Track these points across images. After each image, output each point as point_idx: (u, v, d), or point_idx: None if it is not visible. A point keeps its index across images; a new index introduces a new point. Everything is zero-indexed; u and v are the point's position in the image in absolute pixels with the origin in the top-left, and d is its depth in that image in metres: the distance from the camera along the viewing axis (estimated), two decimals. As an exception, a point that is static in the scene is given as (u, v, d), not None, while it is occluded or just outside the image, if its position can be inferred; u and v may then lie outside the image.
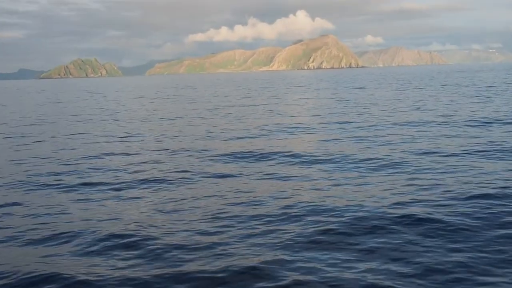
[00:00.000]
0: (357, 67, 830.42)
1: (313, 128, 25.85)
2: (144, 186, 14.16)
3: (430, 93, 52.18)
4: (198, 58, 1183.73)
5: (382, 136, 21.78)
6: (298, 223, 10.40)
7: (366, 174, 14.54)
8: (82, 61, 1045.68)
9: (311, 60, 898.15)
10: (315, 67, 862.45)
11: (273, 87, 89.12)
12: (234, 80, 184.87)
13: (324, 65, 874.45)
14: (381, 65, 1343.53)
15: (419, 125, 24.99)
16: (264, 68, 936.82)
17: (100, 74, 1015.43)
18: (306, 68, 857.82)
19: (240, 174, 15.30)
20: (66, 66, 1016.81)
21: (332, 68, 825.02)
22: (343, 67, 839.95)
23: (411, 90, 59.45)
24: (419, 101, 41.25)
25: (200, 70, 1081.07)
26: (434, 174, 14.06)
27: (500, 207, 10.92)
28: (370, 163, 15.97)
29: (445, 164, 15.32)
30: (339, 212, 10.96)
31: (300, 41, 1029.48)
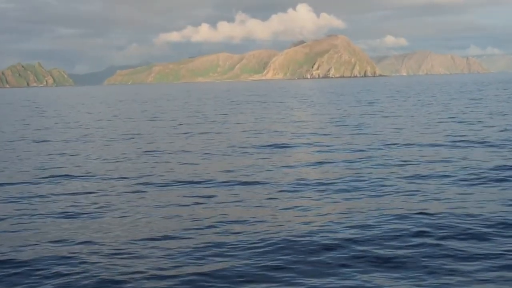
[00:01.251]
0: (374, 76, 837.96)
1: (281, 150, 27.03)
2: (49, 218, 14.87)
3: (457, 109, 53.34)
4: (171, 63, 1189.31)
5: (362, 160, 22.78)
6: (220, 261, 11.13)
7: (319, 202, 15.60)
8: (23, 66, 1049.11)
9: (315, 66, 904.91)
10: (321, 76, 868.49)
11: (261, 101, 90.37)
12: (215, 91, 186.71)
13: (332, 73, 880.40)
14: (404, 74, 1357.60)
15: (418, 148, 26.05)
16: (256, 77, 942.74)
17: (45, 83, 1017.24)
18: (309, 76, 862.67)
19: (169, 203, 16.18)
20: (2, 72, 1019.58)
21: (342, 77, 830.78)
22: (356, 76, 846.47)
23: (432, 105, 60.70)
24: (437, 119, 42.42)
25: (174, 78, 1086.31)
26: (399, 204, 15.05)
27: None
28: (329, 190, 17.14)
29: (411, 193, 16.29)
30: (275, 247, 11.83)
31: (302, 42, 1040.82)
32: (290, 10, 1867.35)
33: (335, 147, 27.53)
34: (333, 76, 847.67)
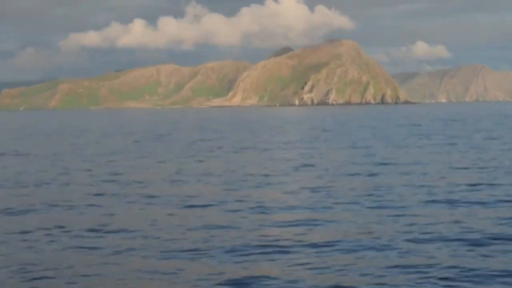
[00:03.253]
0: (397, 103, 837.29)
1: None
2: None
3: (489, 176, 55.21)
4: (87, 79, 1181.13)
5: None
6: None
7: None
8: None
9: (307, 87, 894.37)
10: (315, 102, 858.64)
11: (201, 139, 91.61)
12: (140, 124, 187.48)
13: (332, 97, 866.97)
14: (443, 100, 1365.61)
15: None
16: (216, 102, 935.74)
17: None
18: (297, 102, 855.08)
19: None
20: None
21: (349, 103, 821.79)
22: (369, 102, 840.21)
23: (466, 153, 62.68)
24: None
25: (91, 102, 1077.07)
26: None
27: None
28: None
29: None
30: None
31: (288, 50, 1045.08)
32: (268, 1, 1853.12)
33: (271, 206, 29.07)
34: (334, 102, 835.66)
